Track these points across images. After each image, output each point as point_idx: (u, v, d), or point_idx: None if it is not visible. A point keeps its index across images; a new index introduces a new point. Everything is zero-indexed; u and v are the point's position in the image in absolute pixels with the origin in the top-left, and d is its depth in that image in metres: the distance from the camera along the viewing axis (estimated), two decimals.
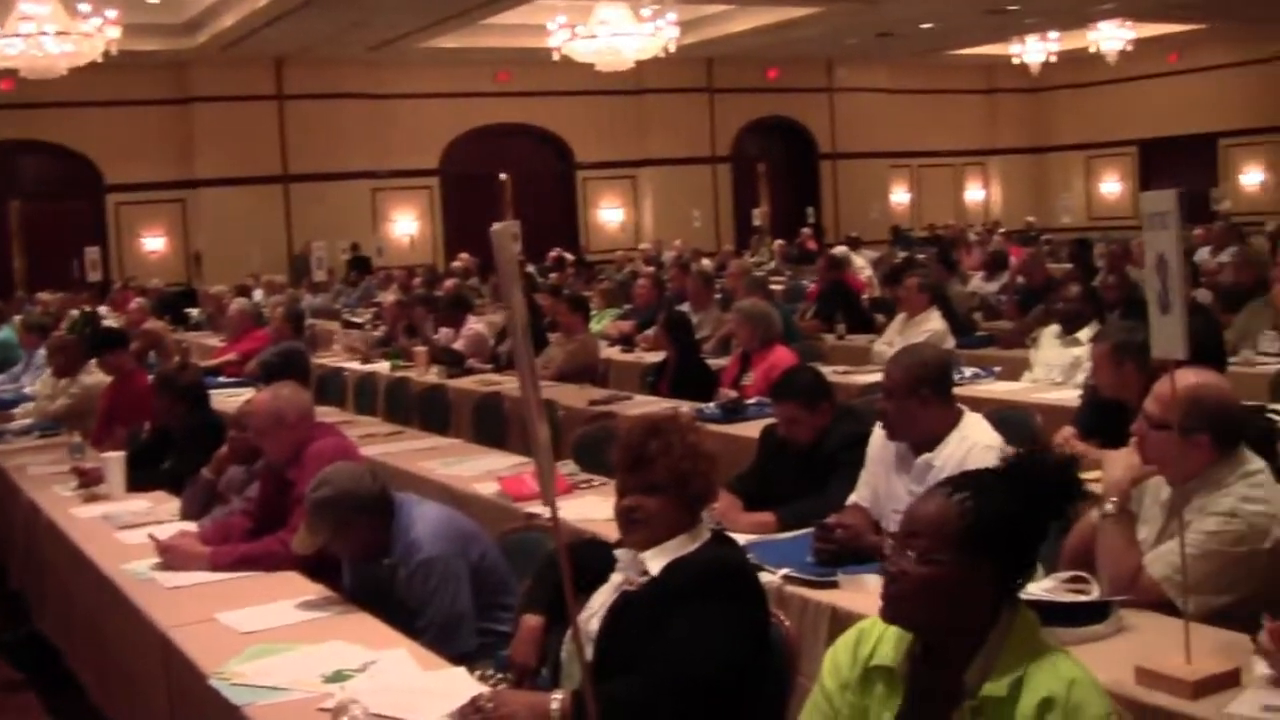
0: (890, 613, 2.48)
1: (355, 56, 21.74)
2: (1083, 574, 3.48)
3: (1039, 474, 2.50)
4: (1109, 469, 3.67)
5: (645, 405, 7.55)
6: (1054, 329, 7.75)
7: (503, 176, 22.88)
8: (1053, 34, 24.19)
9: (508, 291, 2.83)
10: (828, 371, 6.18)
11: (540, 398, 2.76)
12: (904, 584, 2.44)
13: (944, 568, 2.41)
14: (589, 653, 3.09)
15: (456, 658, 3.63)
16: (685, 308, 10.63)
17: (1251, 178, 27.31)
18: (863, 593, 3.68)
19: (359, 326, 12.94)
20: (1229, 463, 3.48)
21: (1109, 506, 3.55)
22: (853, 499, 4.47)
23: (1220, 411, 3.47)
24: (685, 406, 6.95)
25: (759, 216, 25.19)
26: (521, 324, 2.75)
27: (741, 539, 3.77)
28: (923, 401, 4.24)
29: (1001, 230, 23.59)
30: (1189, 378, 3.44)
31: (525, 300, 3.12)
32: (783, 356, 7.59)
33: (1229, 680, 2.93)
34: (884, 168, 28.44)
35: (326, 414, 6.89)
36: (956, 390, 4.67)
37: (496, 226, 2.85)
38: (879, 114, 27.77)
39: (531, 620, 3.50)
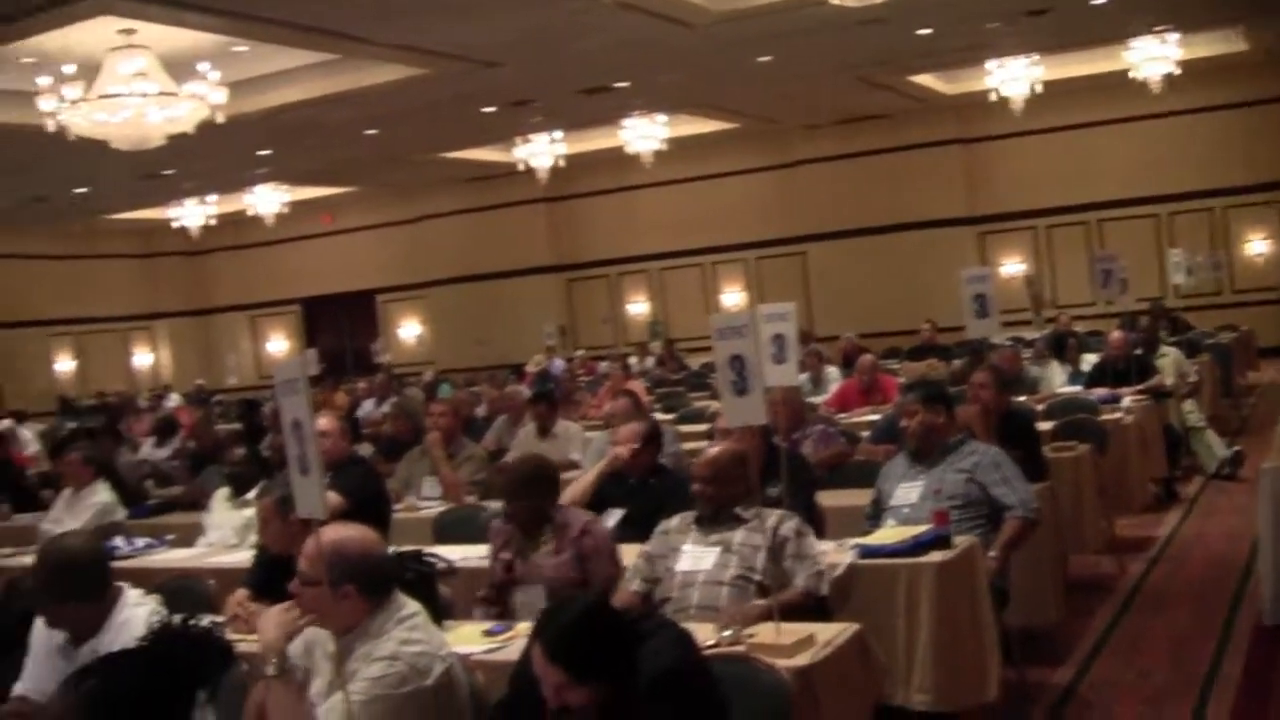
0: None
1: None
2: None
3: (176, 647, 2.52)
4: (262, 630, 3.70)
5: None
6: (225, 492, 7.82)
7: None
8: (211, 197, 24.43)
9: None
10: None
11: None
12: None
13: None
14: None
15: None
16: None
17: (409, 330, 29.04)
18: None
19: None
20: (384, 610, 3.66)
21: (270, 668, 3.59)
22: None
23: (363, 562, 3.65)
24: None
25: None
26: None
27: None
28: (73, 607, 4.13)
29: (176, 394, 23.39)
30: (332, 534, 3.62)
31: None
32: None
33: None
34: (43, 336, 27.30)
35: None
36: (128, 564, 4.60)
37: None
38: (35, 281, 26.68)
39: None
